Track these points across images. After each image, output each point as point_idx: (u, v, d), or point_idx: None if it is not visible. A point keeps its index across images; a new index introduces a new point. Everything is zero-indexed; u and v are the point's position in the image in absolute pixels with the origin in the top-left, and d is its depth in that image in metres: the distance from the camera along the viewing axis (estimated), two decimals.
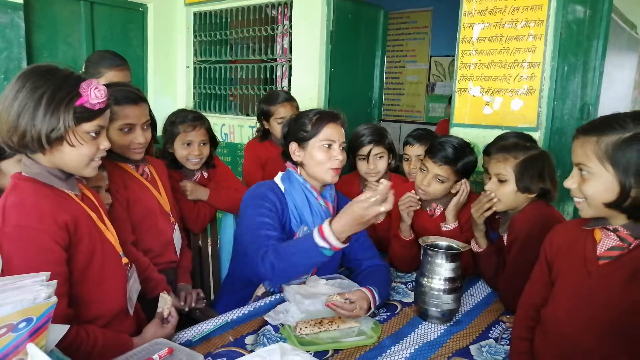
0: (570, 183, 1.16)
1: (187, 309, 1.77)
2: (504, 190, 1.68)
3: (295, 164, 1.70)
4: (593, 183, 1.10)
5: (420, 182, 1.87)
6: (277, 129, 2.56)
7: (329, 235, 1.34)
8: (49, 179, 1.17)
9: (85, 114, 1.13)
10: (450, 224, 1.87)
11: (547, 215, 1.64)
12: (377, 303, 1.50)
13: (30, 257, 1.06)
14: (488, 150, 1.96)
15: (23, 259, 1.06)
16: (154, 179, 1.81)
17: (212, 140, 2.20)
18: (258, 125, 2.76)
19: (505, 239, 1.76)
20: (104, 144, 1.20)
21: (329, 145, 1.62)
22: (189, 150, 2.08)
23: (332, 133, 1.62)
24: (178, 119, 2.10)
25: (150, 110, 1.76)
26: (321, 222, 1.45)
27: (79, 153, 1.15)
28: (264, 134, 2.73)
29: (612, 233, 1.14)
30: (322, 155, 1.62)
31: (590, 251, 1.18)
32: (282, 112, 2.56)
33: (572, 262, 1.21)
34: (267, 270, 1.47)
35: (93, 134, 1.16)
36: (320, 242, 1.36)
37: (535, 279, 1.34)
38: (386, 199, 1.28)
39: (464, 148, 1.87)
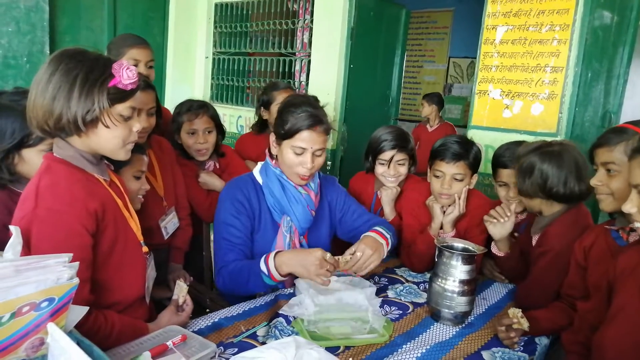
0: (629, 207, 1.05)
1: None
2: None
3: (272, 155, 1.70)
4: None
5: (440, 188, 1.84)
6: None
7: (271, 263, 1.47)
8: (81, 162, 1.17)
9: (119, 95, 1.13)
10: (448, 233, 1.87)
11: (584, 230, 1.56)
12: (390, 237, 1.62)
13: (60, 240, 1.07)
14: (503, 163, 1.92)
15: (52, 242, 1.06)
16: (151, 162, 1.86)
17: (219, 129, 2.21)
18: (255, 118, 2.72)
19: (533, 240, 1.73)
20: (137, 126, 1.20)
21: (301, 152, 1.59)
22: (194, 139, 2.11)
23: (307, 140, 1.56)
24: (183, 108, 2.14)
25: (157, 98, 1.82)
26: (302, 210, 1.63)
27: (113, 135, 1.15)
28: (262, 125, 2.67)
29: None
30: (291, 159, 1.60)
31: None
32: (283, 98, 2.51)
33: (630, 287, 1.15)
34: (220, 285, 1.63)
35: (125, 116, 1.16)
36: (262, 267, 1.49)
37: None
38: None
39: (467, 141, 1.88)
